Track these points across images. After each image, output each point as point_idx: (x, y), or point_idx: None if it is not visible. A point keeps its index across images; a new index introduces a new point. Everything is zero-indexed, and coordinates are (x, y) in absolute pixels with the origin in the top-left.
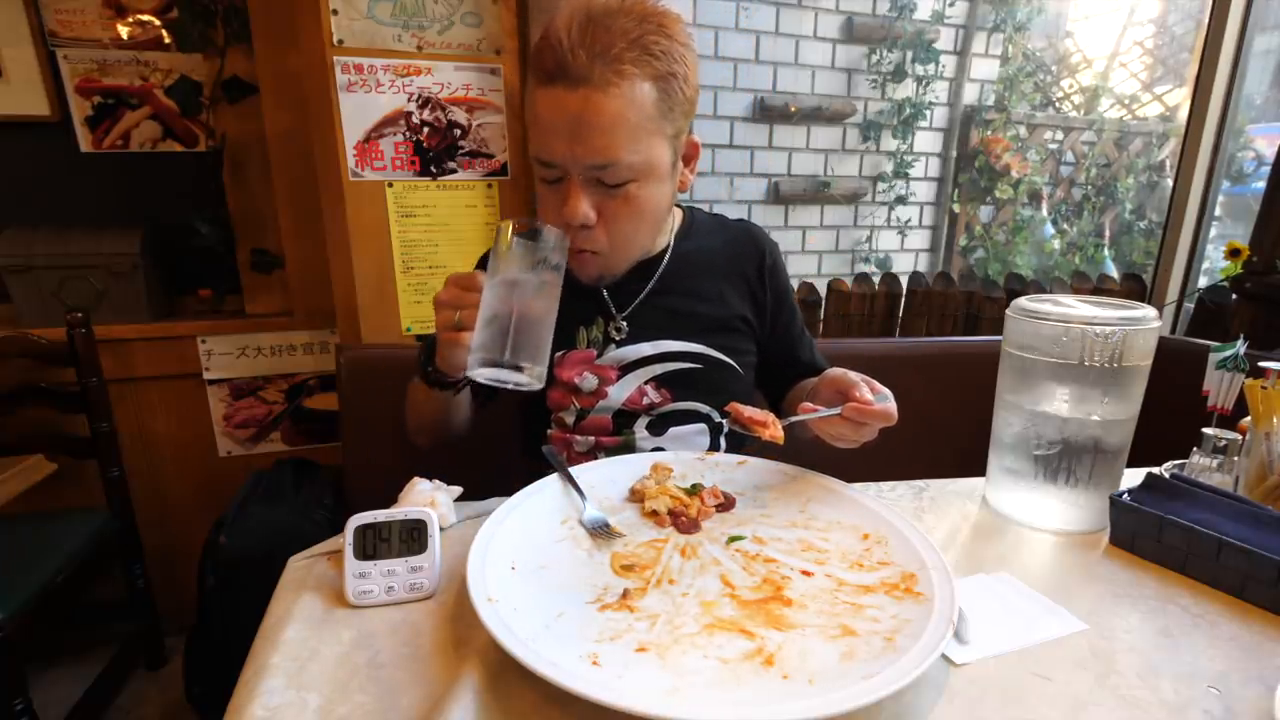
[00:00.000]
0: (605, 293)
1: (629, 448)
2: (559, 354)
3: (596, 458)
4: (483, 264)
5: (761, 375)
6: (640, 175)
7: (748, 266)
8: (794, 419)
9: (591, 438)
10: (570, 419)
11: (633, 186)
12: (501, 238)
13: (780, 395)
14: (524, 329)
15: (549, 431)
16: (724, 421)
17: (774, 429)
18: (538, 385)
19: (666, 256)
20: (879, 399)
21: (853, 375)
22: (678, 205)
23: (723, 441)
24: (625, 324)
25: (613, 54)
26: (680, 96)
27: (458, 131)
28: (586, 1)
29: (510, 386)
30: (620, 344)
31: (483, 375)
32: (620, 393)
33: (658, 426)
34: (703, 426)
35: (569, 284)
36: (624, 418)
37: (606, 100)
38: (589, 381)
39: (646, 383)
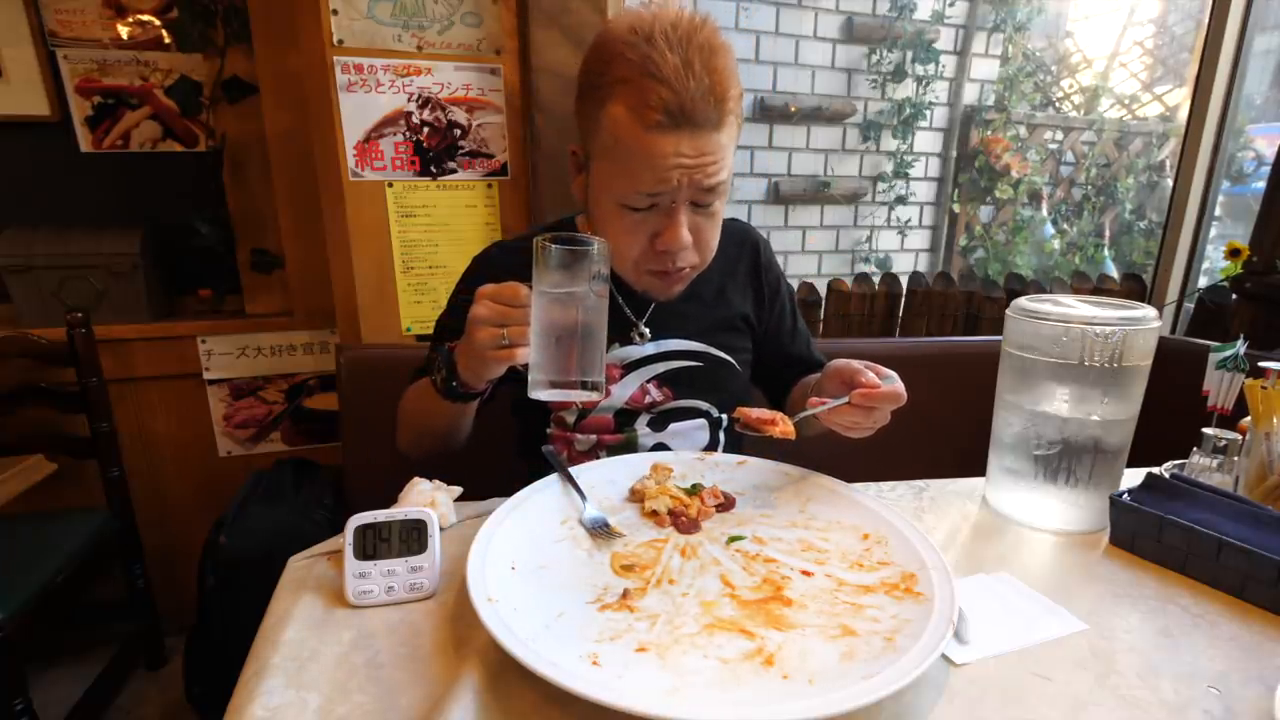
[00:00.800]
0: (620, 299)
1: (631, 445)
2: None
3: (598, 456)
4: (475, 274)
5: (761, 374)
6: (724, 193)
7: (744, 263)
8: (803, 414)
9: (593, 436)
10: (571, 418)
11: (717, 203)
12: (548, 255)
13: (781, 394)
14: (588, 346)
15: (549, 431)
16: (724, 417)
17: (784, 425)
18: (599, 397)
19: None
20: (885, 381)
21: (855, 363)
22: None
23: (722, 436)
24: (647, 330)
25: (726, 96)
26: (742, 116)
27: (458, 131)
28: (677, 33)
29: (573, 401)
30: (625, 346)
31: (548, 395)
32: (623, 392)
33: (659, 423)
34: (703, 422)
35: None
36: (625, 416)
37: (722, 137)
38: None
39: (649, 381)
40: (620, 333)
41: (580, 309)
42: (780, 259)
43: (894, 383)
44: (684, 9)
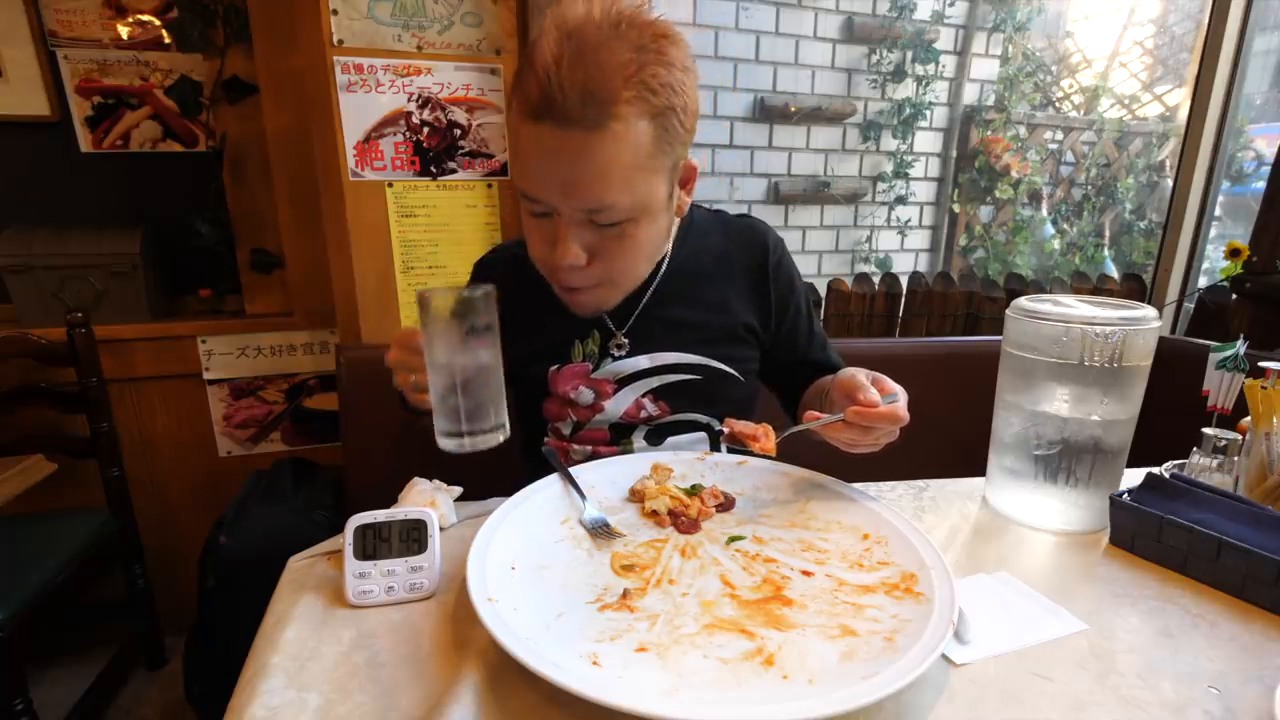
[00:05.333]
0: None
1: None
2: (554, 368)
3: None
4: (475, 280)
5: (773, 376)
6: (636, 215)
7: (750, 267)
8: (793, 429)
9: (588, 447)
10: (567, 430)
11: (628, 226)
12: (424, 310)
13: (795, 396)
14: (471, 398)
15: (546, 439)
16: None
17: (765, 441)
18: (503, 435)
19: (664, 265)
20: (887, 399)
21: (861, 376)
22: None
23: (723, 448)
24: (626, 340)
25: (607, 96)
26: (680, 130)
27: (458, 131)
28: (578, 22)
29: (479, 448)
30: (619, 359)
31: (449, 447)
32: (617, 406)
33: (655, 437)
34: (702, 435)
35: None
36: (621, 429)
37: (600, 144)
38: (585, 395)
39: (644, 395)
40: (600, 344)
41: (458, 365)
42: None
43: (895, 401)
44: (646, 5)
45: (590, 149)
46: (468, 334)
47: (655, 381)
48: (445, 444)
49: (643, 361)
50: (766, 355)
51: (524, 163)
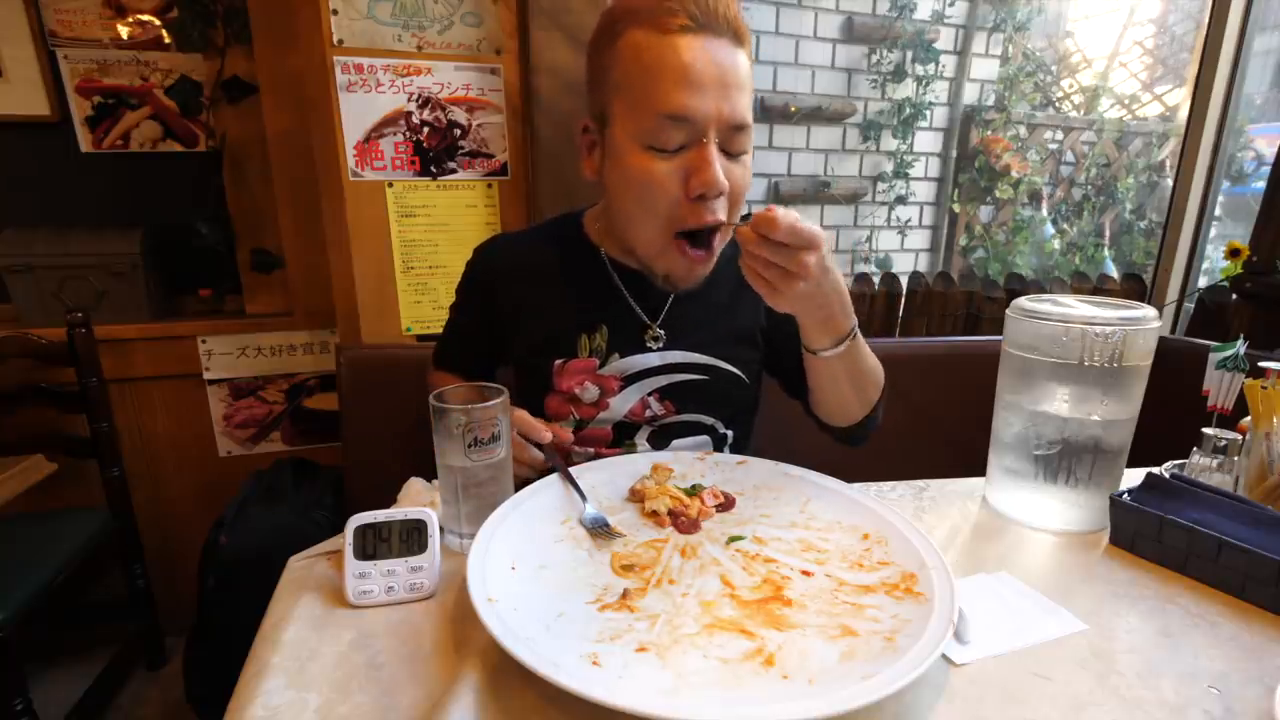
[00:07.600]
0: (630, 298)
1: None
2: (559, 363)
3: None
4: (477, 266)
5: (778, 364)
6: (751, 138)
7: None
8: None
9: (590, 449)
10: (569, 429)
11: (745, 156)
12: (434, 419)
13: (801, 384)
14: (472, 503)
15: None
16: (729, 433)
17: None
18: None
19: None
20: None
21: None
22: None
23: (727, 452)
24: (662, 332)
25: (742, 24)
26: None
27: (458, 131)
28: None
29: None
30: (650, 352)
31: (449, 543)
32: (622, 404)
33: (659, 438)
34: (706, 439)
35: (582, 287)
36: (625, 429)
37: (741, 58)
38: (590, 392)
39: (650, 394)
40: (632, 338)
41: (466, 477)
42: None
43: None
44: None
45: (737, 61)
46: (473, 445)
47: (662, 380)
48: (447, 539)
49: (651, 359)
50: (769, 343)
51: (674, 79)
